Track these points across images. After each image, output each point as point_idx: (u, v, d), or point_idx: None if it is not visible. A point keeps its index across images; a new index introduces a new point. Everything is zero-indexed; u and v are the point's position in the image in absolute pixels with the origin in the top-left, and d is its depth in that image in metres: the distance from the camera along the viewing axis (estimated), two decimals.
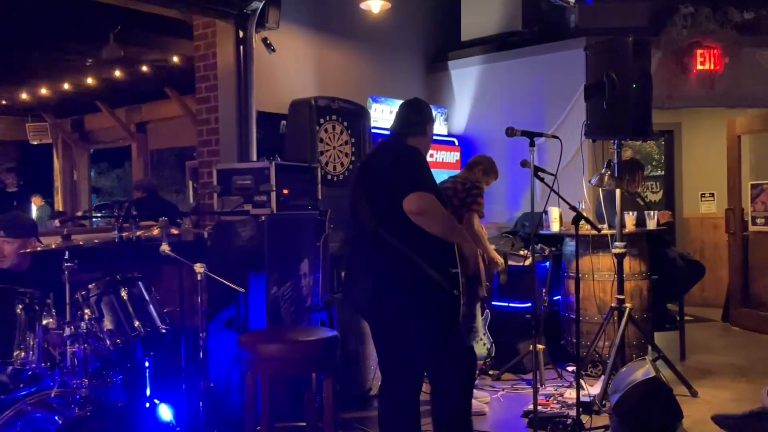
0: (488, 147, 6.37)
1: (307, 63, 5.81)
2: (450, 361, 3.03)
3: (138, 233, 3.26)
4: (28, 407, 2.79)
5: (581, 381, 3.84)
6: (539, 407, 3.85)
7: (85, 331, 2.91)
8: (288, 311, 3.98)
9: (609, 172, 4.54)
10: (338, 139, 4.78)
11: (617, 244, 4.55)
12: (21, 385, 2.97)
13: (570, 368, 5.10)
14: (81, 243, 3.07)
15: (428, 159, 3.24)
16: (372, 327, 3.20)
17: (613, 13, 6.27)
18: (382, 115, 5.94)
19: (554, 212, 5.28)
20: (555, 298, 5.49)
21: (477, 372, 4.76)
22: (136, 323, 3.10)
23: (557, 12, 6.52)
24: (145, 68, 8.51)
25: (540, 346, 4.53)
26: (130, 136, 12.02)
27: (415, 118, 3.19)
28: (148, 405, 3.28)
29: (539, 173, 3.50)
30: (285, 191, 3.92)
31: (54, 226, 7.78)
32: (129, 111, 11.79)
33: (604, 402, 4.13)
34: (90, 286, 3.07)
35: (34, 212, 12.48)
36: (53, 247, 3.03)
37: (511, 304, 5.26)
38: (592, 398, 4.19)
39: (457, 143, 6.73)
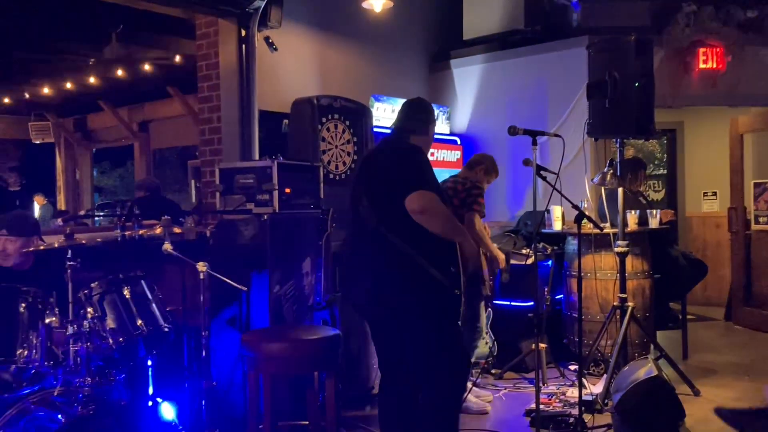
0: (490, 146, 6.36)
1: (310, 62, 5.81)
2: (449, 361, 3.00)
3: (140, 232, 3.26)
4: (31, 406, 2.81)
5: (583, 380, 3.84)
6: (541, 406, 3.84)
7: (87, 329, 2.91)
8: (290, 310, 3.98)
9: (611, 171, 4.53)
10: (340, 138, 4.78)
11: (619, 242, 4.55)
12: (24, 384, 2.98)
13: (572, 367, 5.11)
14: (84, 242, 3.06)
15: (429, 157, 3.24)
16: (372, 326, 3.20)
17: (615, 12, 6.26)
18: (384, 114, 5.93)
19: (556, 211, 5.28)
20: (557, 296, 5.48)
21: (478, 371, 4.77)
22: (139, 322, 3.10)
23: (559, 11, 6.52)
24: (147, 67, 8.53)
25: (542, 345, 4.53)
26: (132, 135, 12.04)
27: (417, 116, 3.19)
28: (150, 403, 3.29)
29: (541, 172, 3.50)
30: (287, 190, 3.92)
31: (57, 225, 7.78)
32: (131, 110, 11.81)
33: (606, 401, 4.13)
34: (93, 284, 3.06)
35: (36, 211, 12.46)
36: (56, 245, 3.03)
37: (513, 303, 5.26)
38: (594, 397, 4.19)
39: (459, 142, 6.72)
